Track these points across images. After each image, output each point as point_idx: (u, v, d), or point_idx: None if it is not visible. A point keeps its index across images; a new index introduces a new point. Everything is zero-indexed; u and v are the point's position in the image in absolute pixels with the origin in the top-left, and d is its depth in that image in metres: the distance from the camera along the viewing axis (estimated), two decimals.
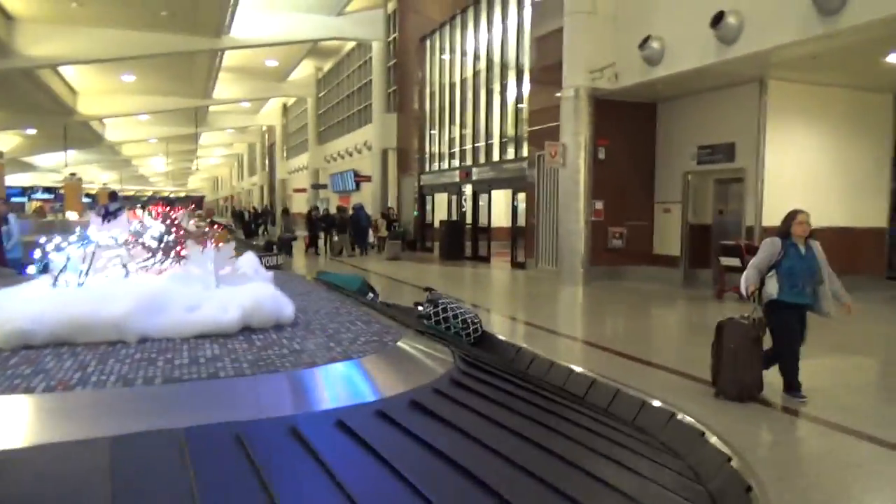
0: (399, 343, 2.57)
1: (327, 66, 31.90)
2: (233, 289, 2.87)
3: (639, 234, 13.52)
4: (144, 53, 19.66)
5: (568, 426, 2.16)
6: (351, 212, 19.83)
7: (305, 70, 31.88)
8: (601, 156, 12.83)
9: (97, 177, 65.72)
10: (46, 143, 36.99)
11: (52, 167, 50.97)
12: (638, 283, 12.82)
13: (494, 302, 11.03)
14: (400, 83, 22.94)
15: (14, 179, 47.19)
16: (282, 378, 1.93)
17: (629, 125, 13.12)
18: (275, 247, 14.99)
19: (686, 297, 11.25)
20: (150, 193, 63.36)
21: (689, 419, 2.46)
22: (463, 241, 18.19)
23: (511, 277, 14.48)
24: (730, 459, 2.08)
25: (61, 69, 25.22)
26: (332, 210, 22.09)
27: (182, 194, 67.02)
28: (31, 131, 35.37)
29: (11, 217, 9.53)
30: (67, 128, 32.49)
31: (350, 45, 27.27)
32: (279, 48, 25.74)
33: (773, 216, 9.58)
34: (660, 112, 13.25)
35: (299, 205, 35.47)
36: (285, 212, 25.65)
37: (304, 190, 34.51)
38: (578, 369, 3.03)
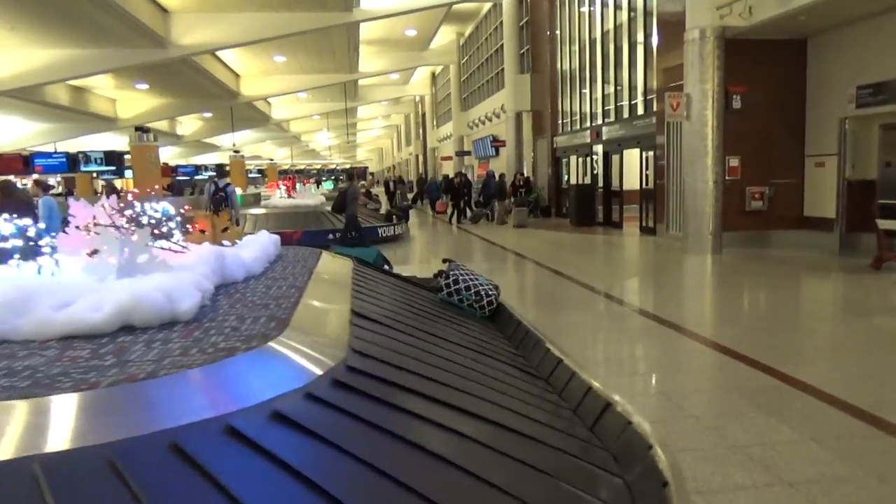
0: (273, 343, 2.20)
1: (468, 30, 31.47)
2: (123, 282, 2.64)
3: (786, 194, 11.75)
4: (282, 33, 20.46)
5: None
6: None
7: (447, 37, 31.69)
8: (736, 105, 11.23)
9: (274, 153, 71.36)
10: (222, 125, 40.58)
11: (233, 146, 56.16)
12: (784, 250, 11.17)
13: (597, 274, 10.10)
14: (533, 42, 21.91)
15: (203, 160, 52.41)
16: (101, 394, 1.58)
17: (771, 68, 11.33)
18: (394, 217, 15.06)
19: (841, 267, 9.53)
20: (318, 167, 67.42)
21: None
22: (594, 207, 17.09)
23: (634, 245, 13.32)
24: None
25: (222, 56, 27.21)
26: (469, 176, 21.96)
27: (347, 166, 70.55)
28: (207, 114, 38.91)
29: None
30: (235, 109, 35.37)
31: (487, 6, 26.57)
32: (416, 17, 25.70)
33: None
34: (810, 49, 11.28)
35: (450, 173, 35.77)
36: (400, 181, 25.69)
37: (450, 158, 34.67)
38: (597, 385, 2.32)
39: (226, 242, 4.15)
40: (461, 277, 4.26)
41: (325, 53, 27.73)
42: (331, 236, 13.23)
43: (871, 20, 9.80)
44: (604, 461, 1.87)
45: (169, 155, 49.70)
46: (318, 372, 2.06)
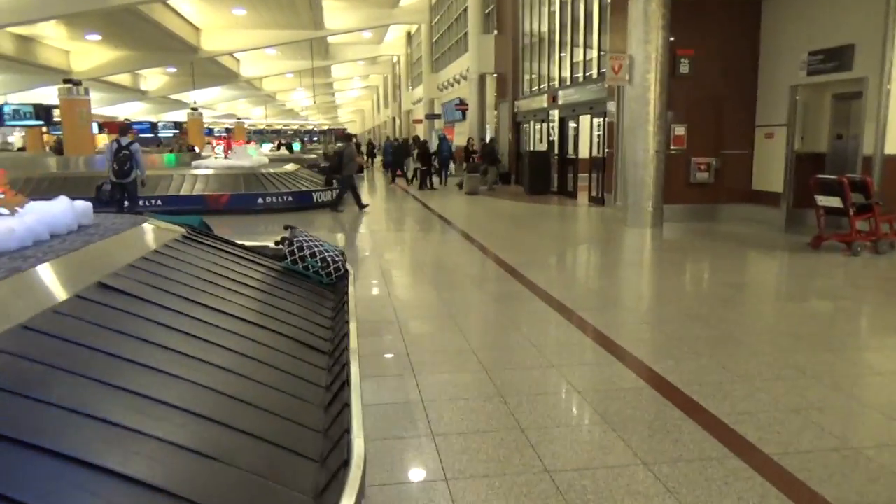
0: None
1: None
2: None
3: (735, 166, 11.16)
4: None
5: None
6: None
7: None
8: (684, 69, 10.55)
9: (249, 112, 69.72)
10: (188, 82, 39.18)
11: (205, 104, 54.59)
12: (730, 225, 10.63)
13: (517, 248, 9.29)
14: (499, 1, 20.95)
15: (171, 116, 50.89)
16: None
17: (723, 30, 10.63)
18: (334, 182, 14.33)
19: (783, 245, 8.97)
20: (295, 127, 65.96)
21: None
22: (549, 175, 16.44)
23: (577, 217, 12.72)
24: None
25: (179, 7, 25.94)
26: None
27: (325, 127, 69.14)
28: (171, 70, 37.52)
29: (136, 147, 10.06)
30: (199, 65, 34.06)
31: None
32: None
33: None
34: (764, 11, 10.57)
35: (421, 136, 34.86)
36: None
37: (420, 121, 33.73)
38: None
39: (2, 210, 3.51)
40: (306, 244, 4.16)
41: (286, 8, 26.57)
42: (261, 200, 12.51)
43: None
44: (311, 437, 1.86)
45: (135, 111, 48.27)
46: None
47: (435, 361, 4.32)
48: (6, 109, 15.00)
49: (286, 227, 4.48)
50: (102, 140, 34.57)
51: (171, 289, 2.68)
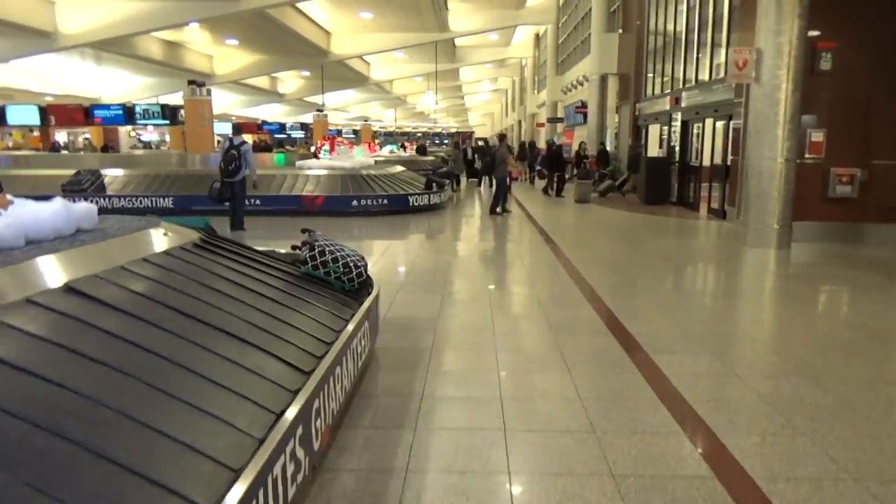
0: None
1: None
2: None
3: (886, 179, 9.47)
4: None
5: None
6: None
7: None
8: (825, 65, 9.05)
9: (382, 115, 71.73)
10: (325, 84, 40.67)
11: (338, 106, 56.72)
12: (878, 250, 9.01)
13: (606, 266, 8.12)
14: None
15: (309, 118, 53.24)
16: None
17: (876, 18, 9.00)
18: (434, 184, 13.92)
19: None
20: (424, 130, 67.01)
21: None
22: (669, 183, 15.06)
23: (691, 231, 11.39)
24: None
25: (311, 13, 26.83)
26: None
27: (453, 130, 69.65)
28: (306, 73, 39.14)
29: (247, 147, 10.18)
30: (331, 69, 35.20)
31: None
32: None
33: None
34: None
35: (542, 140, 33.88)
36: (456, 146, 23.42)
37: (542, 125, 32.82)
38: None
39: None
40: (328, 248, 4.02)
41: (410, 10, 26.68)
42: (355, 203, 12.30)
43: None
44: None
45: (275, 113, 50.98)
46: None
47: (451, 409, 3.64)
48: (137, 109, 15.98)
49: (304, 231, 4.31)
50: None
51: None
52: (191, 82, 16.04)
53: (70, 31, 19.63)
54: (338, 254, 4.03)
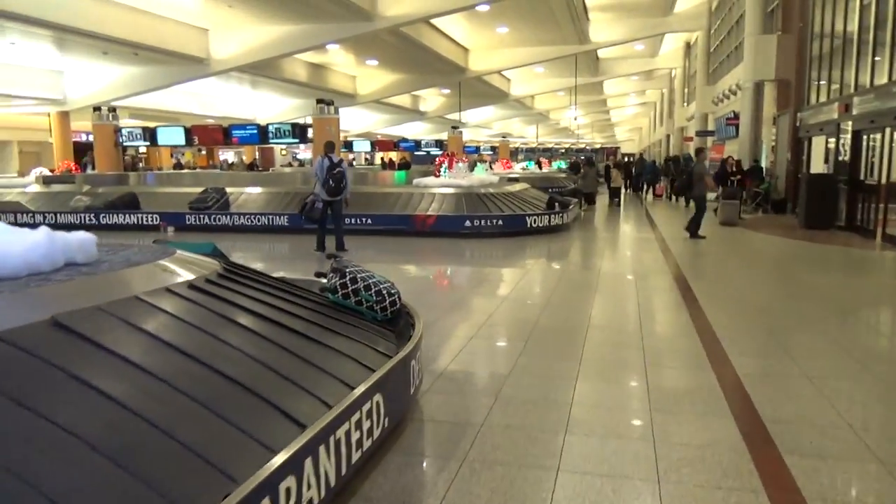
0: None
1: None
2: None
3: None
4: None
5: None
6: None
7: None
8: None
9: (524, 131, 71.07)
10: (463, 102, 40.81)
11: (480, 123, 56.87)
12: None
13: (757, 319, 6.05)
14: None
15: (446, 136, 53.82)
16: None
17: None
18: (557, 204, 12.96)
19: None
20: (567, 146, 65.52)
21: None
22: (835, 204, 12.97)
23: (864, 265, 9.54)
24: None
25: (447, 30, 26.88)
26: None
27: (597, 146, 67.48)
28: (445, 91, 39.42)
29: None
30: (470, 85, 35.14)
31: None
32: None
33: None
34: None
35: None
36: (589, 162, 21.55)
37: (690, 139, 30.56)
38: None
39: None
40: (359, 275, 3.74)
41: (547, 23, 25.85)
42: (468, 223, 11.63)
43: None
44: None
45: (418, 131, 52.04)
46: None
47: None
48: (270, 129, 16.52)
49: (329, 257, 4.13)
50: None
51: None
52: (319, 101, 16.33)
53: (221, 57, 20.87)
54: (370, 281, 3.73)
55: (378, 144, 35.72)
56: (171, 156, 36.64)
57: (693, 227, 11.50)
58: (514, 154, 50.88)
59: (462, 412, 3.75)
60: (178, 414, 2.13)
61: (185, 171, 18.55)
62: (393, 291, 3.80)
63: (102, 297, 2.55)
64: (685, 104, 38.20)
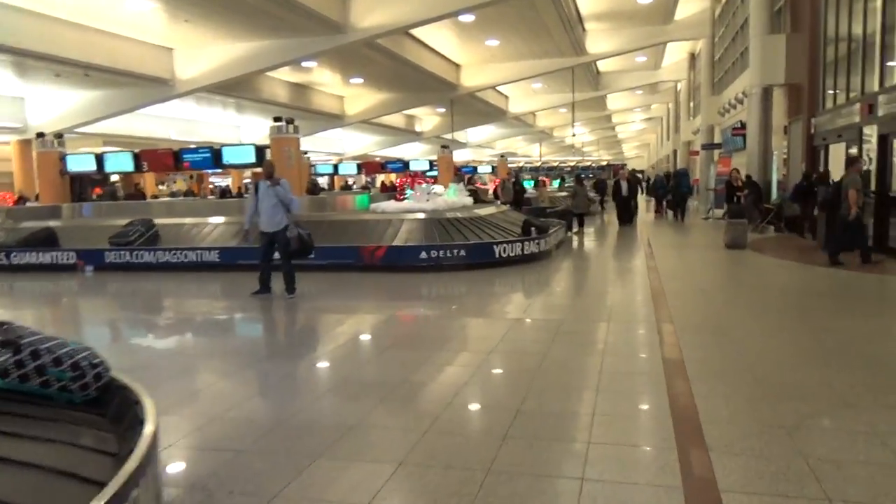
0: None
1: None
2: None
3: None
4: (466, 6, 17.55)
5: None
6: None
7: (697, 5, 25.91)
8: None
9: (529, 150, 69.49)
10: (460, 121, 39.32)
11: (482, 142, 55.39)
12: None
13: (749, 380, 4.49)
14: None
15: (459, 156, 52.12)
16: None
17: None
18: (533, 229, 11.24)
19: None
20: (572, 164, 63.78)
21: None
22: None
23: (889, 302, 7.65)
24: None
25: (436, 45, 25.46)
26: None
27: (603, 163, 65.65)
28: (441, 109, 37.97)
29: None
30: (467, 104, 33.67)
31: None
32: None
33: None
34: None
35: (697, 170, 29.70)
36: (578, 180, 19.52)
37: (696, 153, 28.78)
38: None
39: None
40: (41, 347, 2.60)
41: (540, 34, 24.29)
42: (424, 255, 9.88)
43: None
44: None
45: (415, 152, 50.59)
46: None
47: None
48: (224, 151, 14.97)
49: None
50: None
51: None
52: (276, 118, 14.80)
53: (186, 77, 19.55)
54: (60, 352, 2.64)
55: (365, 166, 34.23)
56: (158, 184, 35.11)
57: (864, 253, 9.88)
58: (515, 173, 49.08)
59: None
60: None
61: (139, 201, 16.98)
62: (96, 362, 2.86)
63: None
64: (691, 117, 36.46)
